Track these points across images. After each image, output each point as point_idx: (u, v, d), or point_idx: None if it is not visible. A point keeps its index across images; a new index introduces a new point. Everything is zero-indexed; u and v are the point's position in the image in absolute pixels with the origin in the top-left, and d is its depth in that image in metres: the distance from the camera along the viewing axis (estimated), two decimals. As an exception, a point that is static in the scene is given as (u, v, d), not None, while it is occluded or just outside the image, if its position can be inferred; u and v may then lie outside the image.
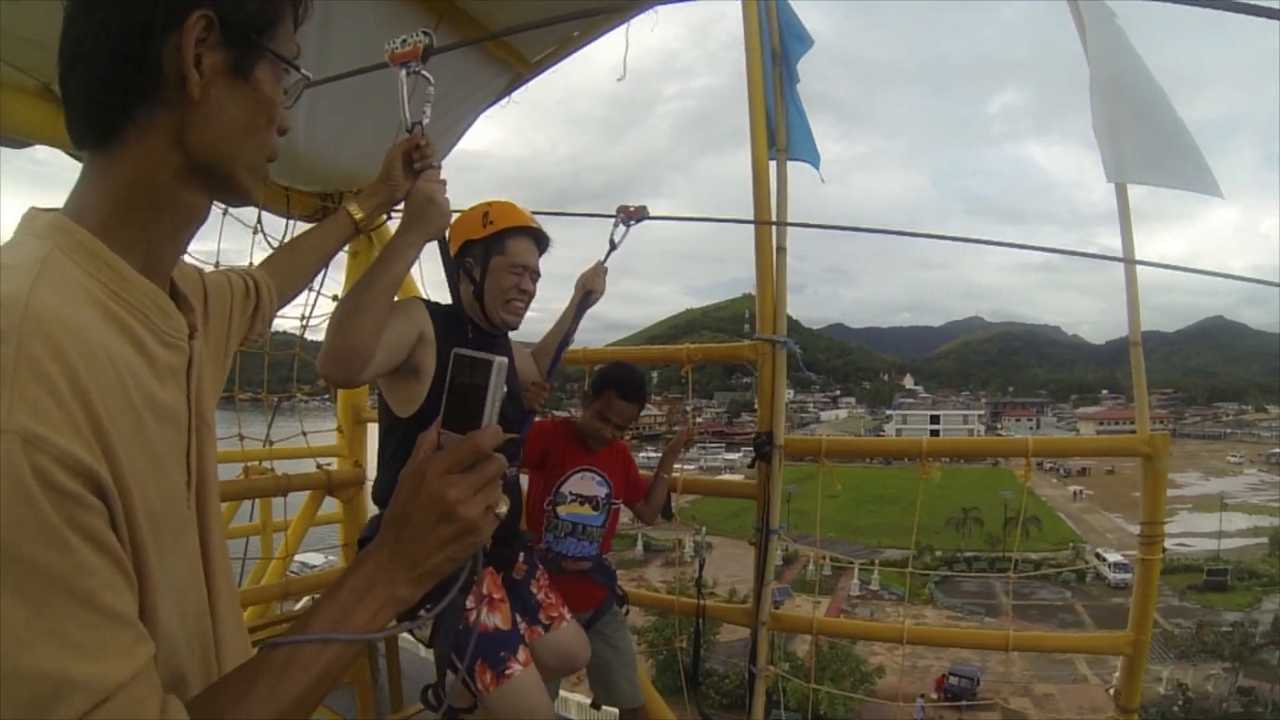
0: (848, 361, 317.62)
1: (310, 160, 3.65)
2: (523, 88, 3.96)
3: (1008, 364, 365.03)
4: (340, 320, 1.92)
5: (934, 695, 32.77)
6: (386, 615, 1.00)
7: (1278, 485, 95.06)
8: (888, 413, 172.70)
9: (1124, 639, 3.31)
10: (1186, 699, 32.00)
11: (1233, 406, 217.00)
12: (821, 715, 28.72)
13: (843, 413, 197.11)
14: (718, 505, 55.04)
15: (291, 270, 1.84)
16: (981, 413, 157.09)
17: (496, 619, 2.51)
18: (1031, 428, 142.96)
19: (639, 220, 3.17)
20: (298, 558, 5.37)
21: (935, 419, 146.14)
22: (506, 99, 3.99)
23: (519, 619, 2.67)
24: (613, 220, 3.17)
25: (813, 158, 3.90)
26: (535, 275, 2.66)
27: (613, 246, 3.18)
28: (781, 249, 3.47)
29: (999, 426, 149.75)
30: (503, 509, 1.04)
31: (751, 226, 3.57)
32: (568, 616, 2.94)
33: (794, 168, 3.79)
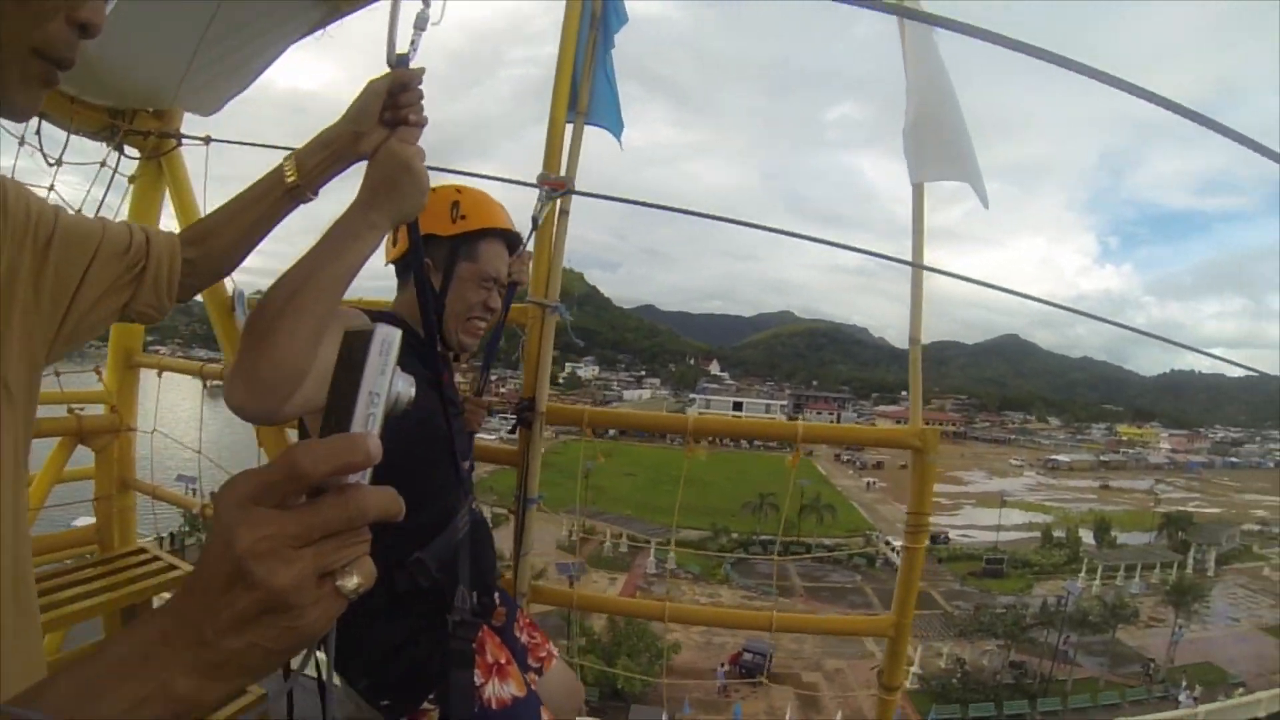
0: (655, 343, 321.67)
1: (99, 66, 3.20)
2: (344, 26, 3.61)
3: (814, 359, 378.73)
4: (262, 329, 1.20)
5: (727, 669, 33.67)
6: (151, 712, 0.58)
7: (1052, 487, 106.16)
8: (691, 396, 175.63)
9: (886, 621, 3.32)
10: (964, 672, 35.15)
11: (1019, 415, 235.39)
12: (619, 690, 29.27)
13: (646, 393, 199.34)
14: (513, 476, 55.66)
15: (215, 242, 1.44)
16: (784, 403, 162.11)
17: (511, 687, 2.01)
18: (831, 420, 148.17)
19: (563, 193, 2.92)
20: (75, 521, 4.87)
21: (738, 405, 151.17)
22: (321, 32, 3.52)
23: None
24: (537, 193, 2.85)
25: (614, 126, 3.78)
26: (501, 288, 2.20)
27: (535, 225, 2.81)
28: (564, 213, 3.25)
29: (800, 417, 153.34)
30: (352, 582, 0.61)
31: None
32: (555, 653, 2.49)
33: (615, 147, 3.68)
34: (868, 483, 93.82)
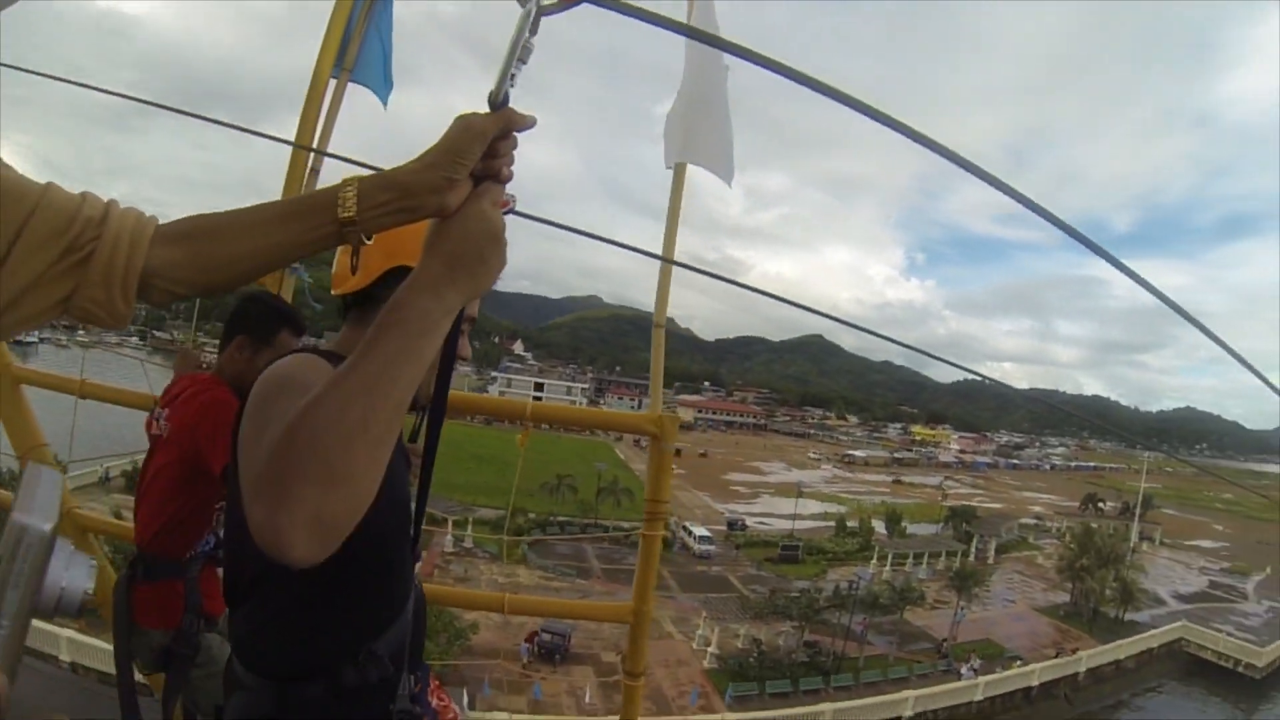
0: None
1: None
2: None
3: (618, 344, 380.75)
4: (332, 466, 0.91)
5: (531, 649, 33.36)
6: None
7: (848, 480, 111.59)
8: (493, 374, 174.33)
9: (625, 609, 3.36)
10: (761, 651, 35.94)
11: (819, 412, 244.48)
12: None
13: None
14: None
15: (217, 247, 1.06)
16: (586, 386, 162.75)
17: None
18: (633, 406, 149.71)
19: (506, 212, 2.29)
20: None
21: (540, 386, 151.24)
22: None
23: None
24: None
25: (380, 86, 3.70)
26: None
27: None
28: (315, 171, 3.23)
29: (601, 401, 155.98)
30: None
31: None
32: (457, 713, 2.20)
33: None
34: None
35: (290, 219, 1.08)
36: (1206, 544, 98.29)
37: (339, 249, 1.32)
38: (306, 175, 3.18)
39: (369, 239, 1.11)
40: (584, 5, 1.26)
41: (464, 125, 1.08)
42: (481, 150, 1.09)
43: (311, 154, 3.25)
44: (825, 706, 31.04)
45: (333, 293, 1.72)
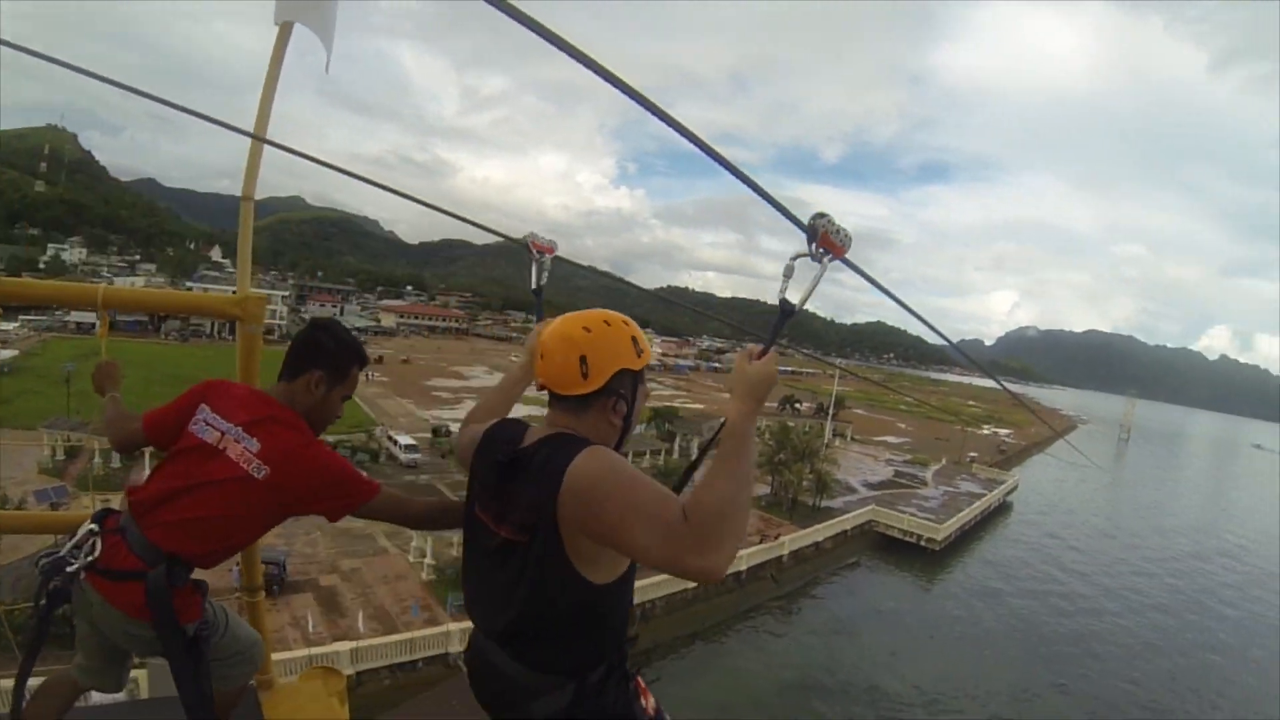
0: (154, 223, 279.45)
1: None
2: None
3: (321, 249, 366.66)
4: (735, 525, 1.74)
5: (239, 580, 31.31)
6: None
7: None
8: (188, 285, 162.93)
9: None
10: None
11: (522, 315, 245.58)
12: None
13: (140, 280, 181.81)
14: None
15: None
16: (286, 293, 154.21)
17: None
18: (335, 313, 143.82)
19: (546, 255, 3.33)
20: None
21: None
22: None
23: None
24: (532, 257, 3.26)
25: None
26: None
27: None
28: None
29: (303, 310, 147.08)
30: None
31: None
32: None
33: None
34: (367, 375, 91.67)
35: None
36: (892, 440, 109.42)
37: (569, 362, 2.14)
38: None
39: None
40: None
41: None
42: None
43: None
44: None
45: (560, 392, 2.18)
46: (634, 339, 2.22)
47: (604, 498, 1.86)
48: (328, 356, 2.79)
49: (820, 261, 1.93)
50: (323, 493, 2.67)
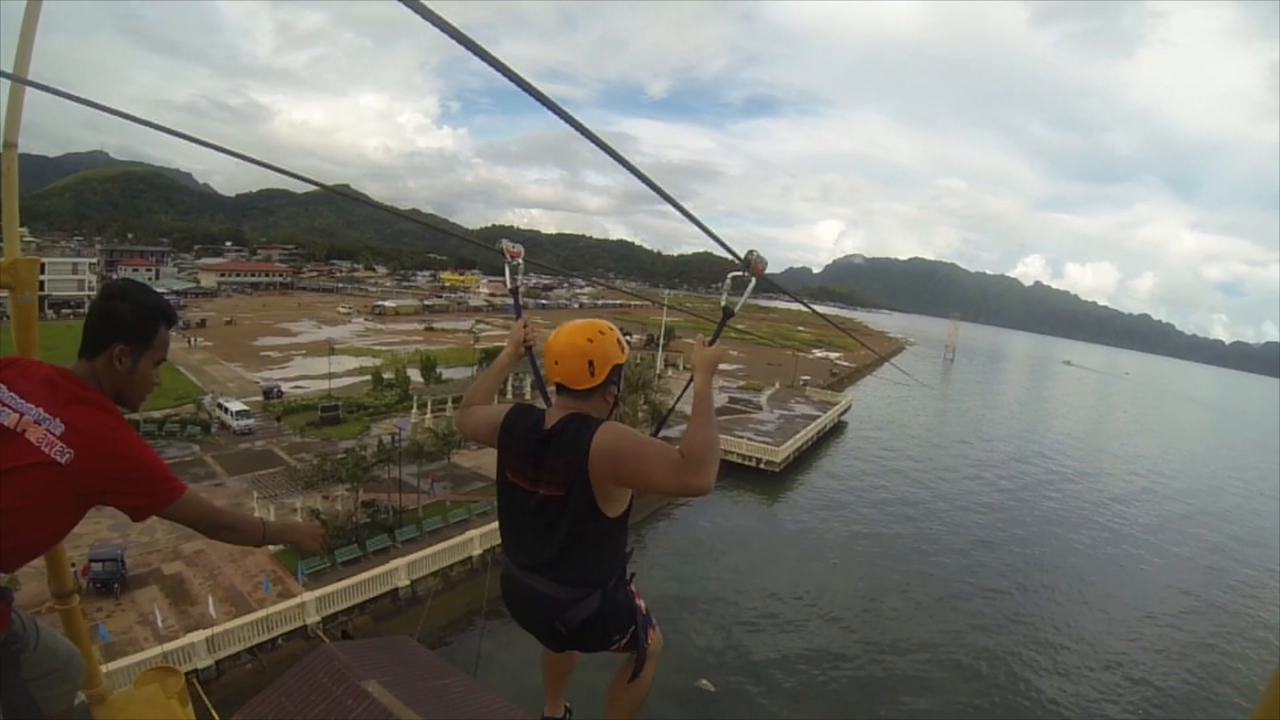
0: None
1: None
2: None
3: (130, 208, 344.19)
4: (714, 458, 2.63)
5: (85, 586, 28.46)
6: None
7: (380, 332, 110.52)
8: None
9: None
10: (322, 522, 33.45)
11: (347, 264, 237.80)
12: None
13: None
14: None
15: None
16: (94, 260, 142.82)
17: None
18: (151, 277, 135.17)
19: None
20: None
21: (41, 268, 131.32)
22: None
23: None
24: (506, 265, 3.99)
25: None
26: None
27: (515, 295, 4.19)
28: None
29: (114, 276, 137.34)
30: None
31: None
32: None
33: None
34: (189, 341, 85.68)
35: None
36: (725, 367, 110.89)
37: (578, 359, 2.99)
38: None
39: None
40: None
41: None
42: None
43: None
44: (397, 562, 31.23)
45: (574, 388, 3.01)
46: (619, 341, 3.08)
47: (625, 455, 2.70)
48: (126, 327, 2.58)
49: (748, 281, 3.14)
50: (130, 482, 2.46)
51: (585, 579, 2.97)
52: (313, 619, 27.52)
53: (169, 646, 23.83)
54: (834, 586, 39.82)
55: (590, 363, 2.94)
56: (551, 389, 3.18)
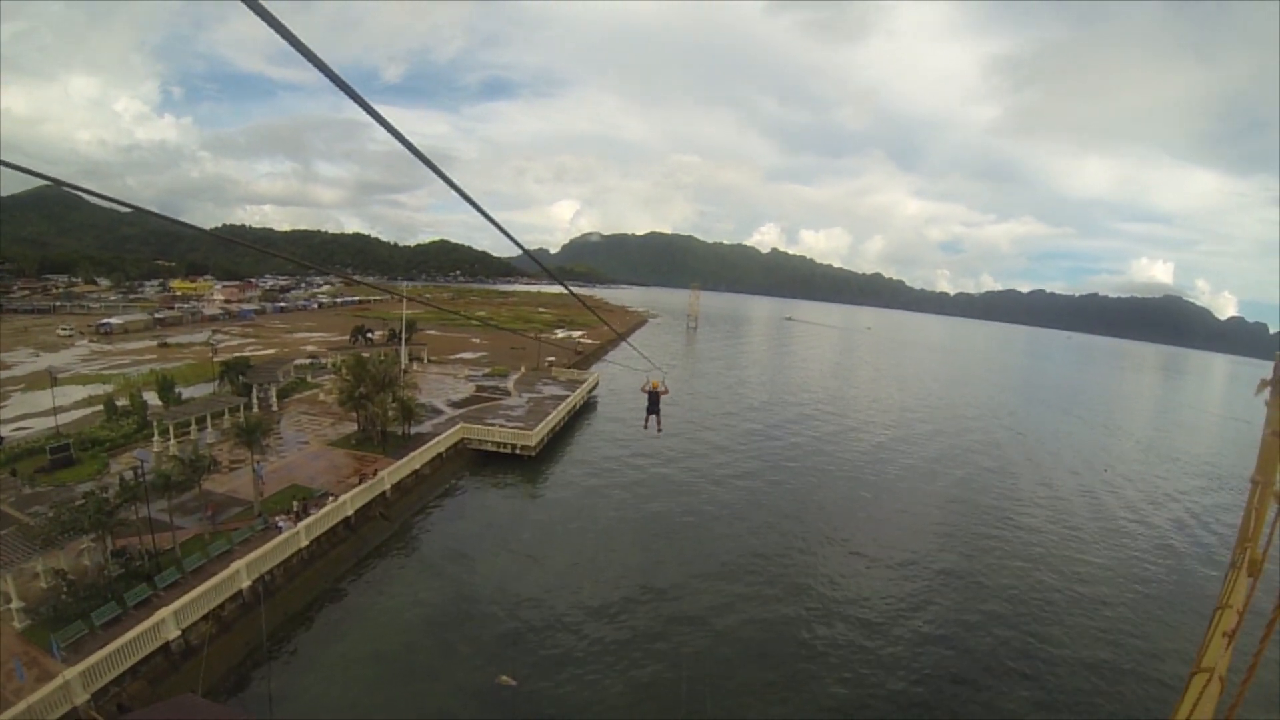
0: None
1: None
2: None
3: None
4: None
5: None
6: None
7: (109, 354, 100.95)
8: None
9: None
10: (69, 583, 31.20)
11: (64, 278, 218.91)
12: None
13: None
14: None
15: None
16: None
17: None
18: None
19: None
20: None
21: None
22: None
23: None
24: None
25: None
26: None
27: None
28: None
29: None
30: None
31: None
32: None
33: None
34: None
35: None
36: (469, 355, 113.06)
37: None
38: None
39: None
40: None
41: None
42: None
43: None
44: (163, 612, 28.48)
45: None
46: None
47: None
48: None
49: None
50: None
51: None
52: (81, 698, 24.31)
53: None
54: (613, 563, 41.80)
55: None
56: None
